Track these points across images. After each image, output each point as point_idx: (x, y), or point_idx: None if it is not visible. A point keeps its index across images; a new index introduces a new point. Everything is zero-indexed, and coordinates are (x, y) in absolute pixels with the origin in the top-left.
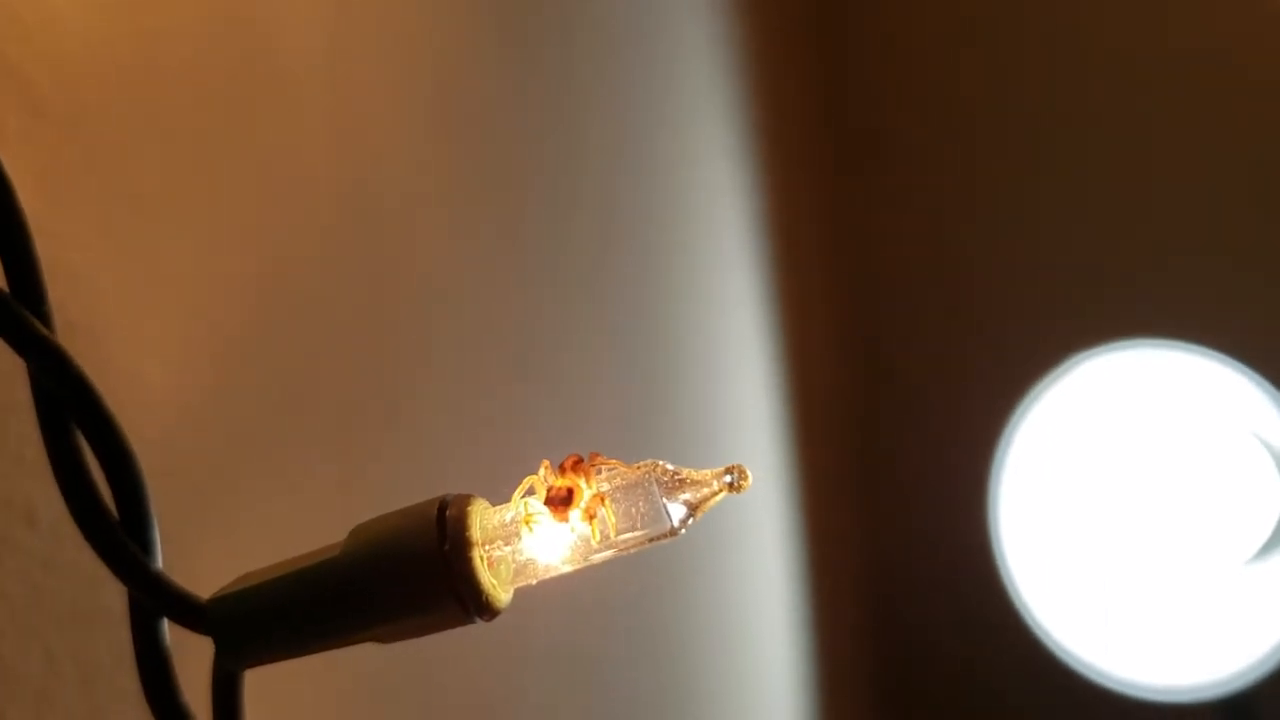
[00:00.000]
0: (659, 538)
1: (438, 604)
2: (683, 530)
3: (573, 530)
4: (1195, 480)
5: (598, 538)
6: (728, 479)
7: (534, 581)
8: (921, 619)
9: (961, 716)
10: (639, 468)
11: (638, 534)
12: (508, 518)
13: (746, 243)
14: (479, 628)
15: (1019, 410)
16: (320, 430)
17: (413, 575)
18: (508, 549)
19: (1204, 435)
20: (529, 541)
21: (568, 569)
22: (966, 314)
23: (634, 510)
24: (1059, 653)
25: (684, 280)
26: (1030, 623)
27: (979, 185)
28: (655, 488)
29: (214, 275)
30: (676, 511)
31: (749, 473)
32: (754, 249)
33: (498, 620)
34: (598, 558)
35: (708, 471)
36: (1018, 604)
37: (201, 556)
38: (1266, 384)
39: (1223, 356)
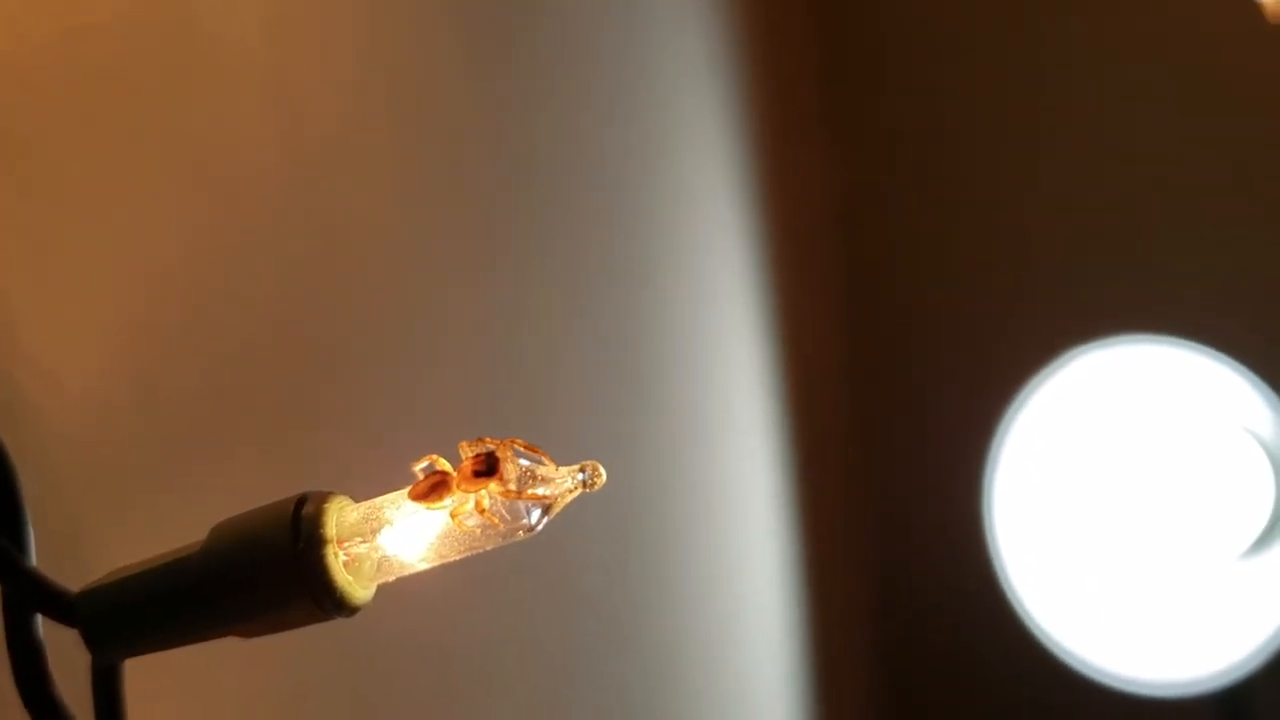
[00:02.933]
0: (513, 534)
1: (292, 601)
2: (539, 527)
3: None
4: (1189, 475)
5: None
6: (581, 476)
7: (392, 578)
8: (916, 614)
9: (957, 711)
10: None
11: (493, 530)
12: (379, 512)
13: (742, 238)
14: (475, 621)
15: (1014, 405)
16: (252, 425)
17: (267, 573)
18: (365, 546)
19: (1198, 430)
20: (386, 538)
21: (425, 566)
22: (962, 309)
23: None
24: (1054, 648)
25: (674, 274)
26: (1025, 618)
27: (975, 183)
28: (499, 525)
29: (140, 272)
30: (532, 509)
31: (602, 470)
32: (751, 245)
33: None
34: (454, 556)
35: (563, 469)
36: (1013, 600)
37: (127, 554)
38: (1259, 379)
39: (1216, 352)
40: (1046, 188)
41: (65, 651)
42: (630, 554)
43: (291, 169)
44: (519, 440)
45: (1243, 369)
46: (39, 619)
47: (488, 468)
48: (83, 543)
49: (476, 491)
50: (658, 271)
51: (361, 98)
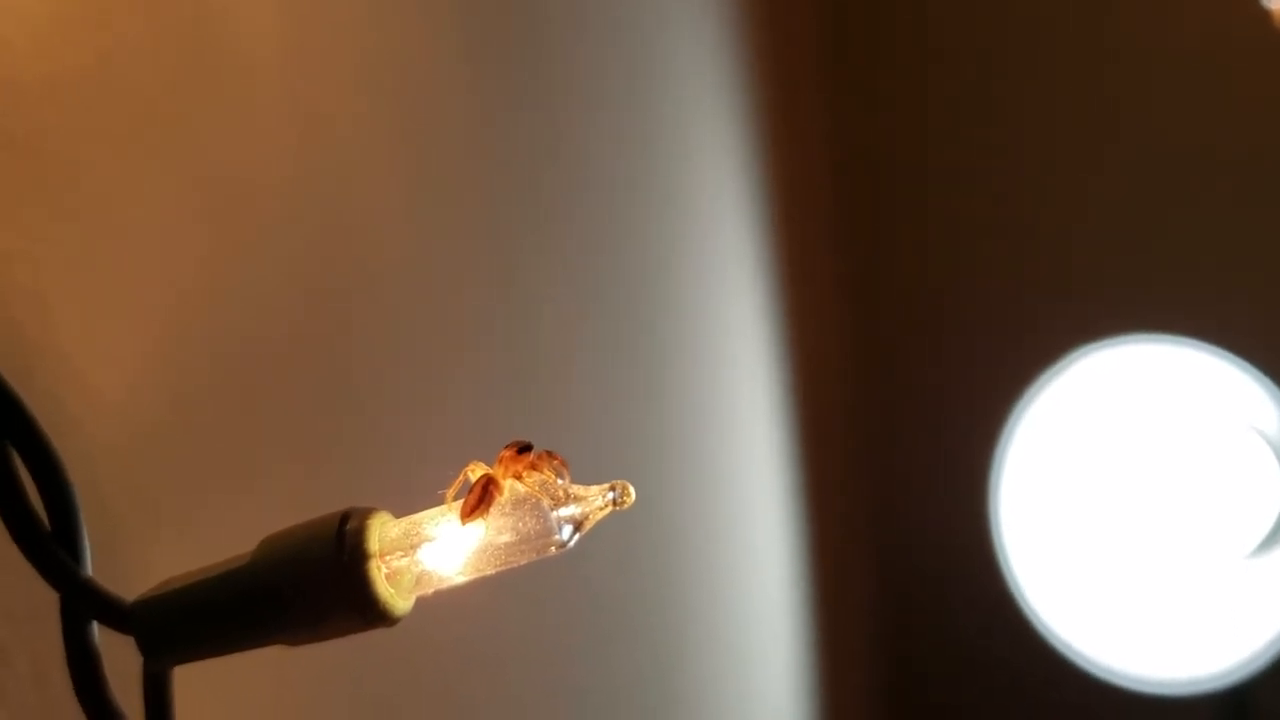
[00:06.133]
0: (546, 550)
1: (337, 613)
2: (571, 543)
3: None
4: (1196, 475)
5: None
6: (611, 495)
7: (430, 591)
8: (922, 613)
9: (961, 708)
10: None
11: (528, 545)
12: (419, 528)
13: (749, 241)
14: (489, 617)
15: (1020, 405)
16: (283, 432)
17: (313, 585)
18: (405, 560)
19: (1205, 430)
20: (425, 553)
21: (462, 580)
22: (968, 308)
23: (522, 525)
24: (1061, 646)
25: (681, 272)
26: (1031, 616)
27: (981, 184)
28: (545, 502)
29: (171, 284)
30: (564, 524)
31: (631, 490)
32: (757, 248)
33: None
34: (490, 570)
35: (594, 488)
36: (1018, 598)
37: (165, 557)
38: (1266, 378)
39: (1222, 351)
40: (1054, 186)
41: (114, 656)
42: (641, 550)
43: (310, 181)
44: (554, 455)
45: (1250, 368)
46: (95, 626)
47: (527, 445)
48: (120, 546)
49: (525, 467)
50: (666, 269)
51: (375, 109)
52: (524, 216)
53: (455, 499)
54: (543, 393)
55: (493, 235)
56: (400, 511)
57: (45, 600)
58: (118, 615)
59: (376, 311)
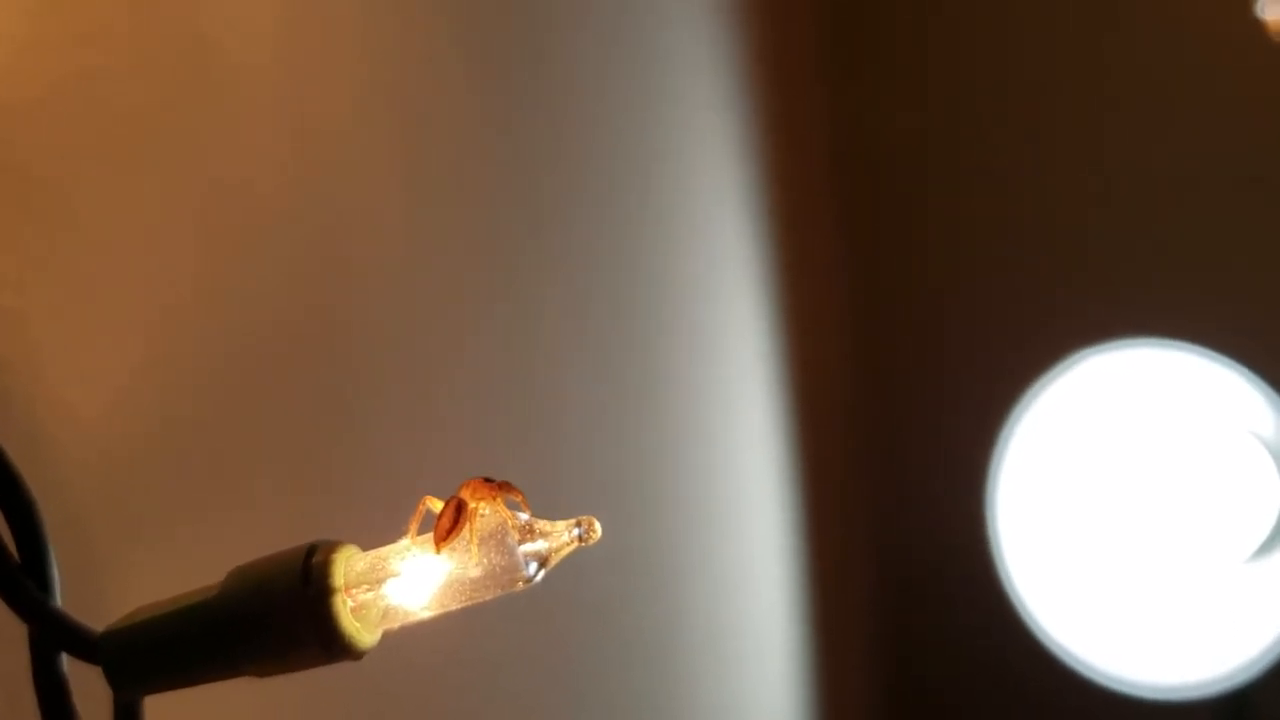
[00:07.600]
0: (513, 585)
1: (303, 645)
2: (537, 578)
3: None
4: (1194, 479)
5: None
6: (577, 531)
7: (396, 625)
8: (922, 613)
9: (960, 708)
10: (495, 516)
11: (494, 581)
12: (385, 562)
13: (748, 241)
14: (482, 630)
15: (1018, 408)
16: (266, 452)
17: (278, 618)
18: (371, 594)
19: (1203, 434)
20: (391, 587)
21: (428, 615)
22: (969, 310)
23: (489, 560)
24: (1057, 650)
25: (680, 274)
26: (1028, 620)
27: (982, 183)
28: (512, 536)
29: (155, 303)
30: (529, 560)
31: (597, 525)
32: (757, 248)
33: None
34: (455, 606)
35: (560, 523)
36: (1015, 601)
37: (143, 581)
38: (1265, 383)
39: (1221, 356)
40: (1054, 187)
41: (86, 684)
42: (639, 551)
43: (308, 185)
44: (515, 489)
45: (1248, 372)
46: (64, 657)
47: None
48: (98, 570)
49: (492, 494)
50: (665, 270)
51: (374, 111)
52: (523, 218)
53: (420, 534)
54: (541, 395)
55: (492, 237)
56: (398, 519)
57: (16, 626)
58: (86, 646)
59: (374, 316)
